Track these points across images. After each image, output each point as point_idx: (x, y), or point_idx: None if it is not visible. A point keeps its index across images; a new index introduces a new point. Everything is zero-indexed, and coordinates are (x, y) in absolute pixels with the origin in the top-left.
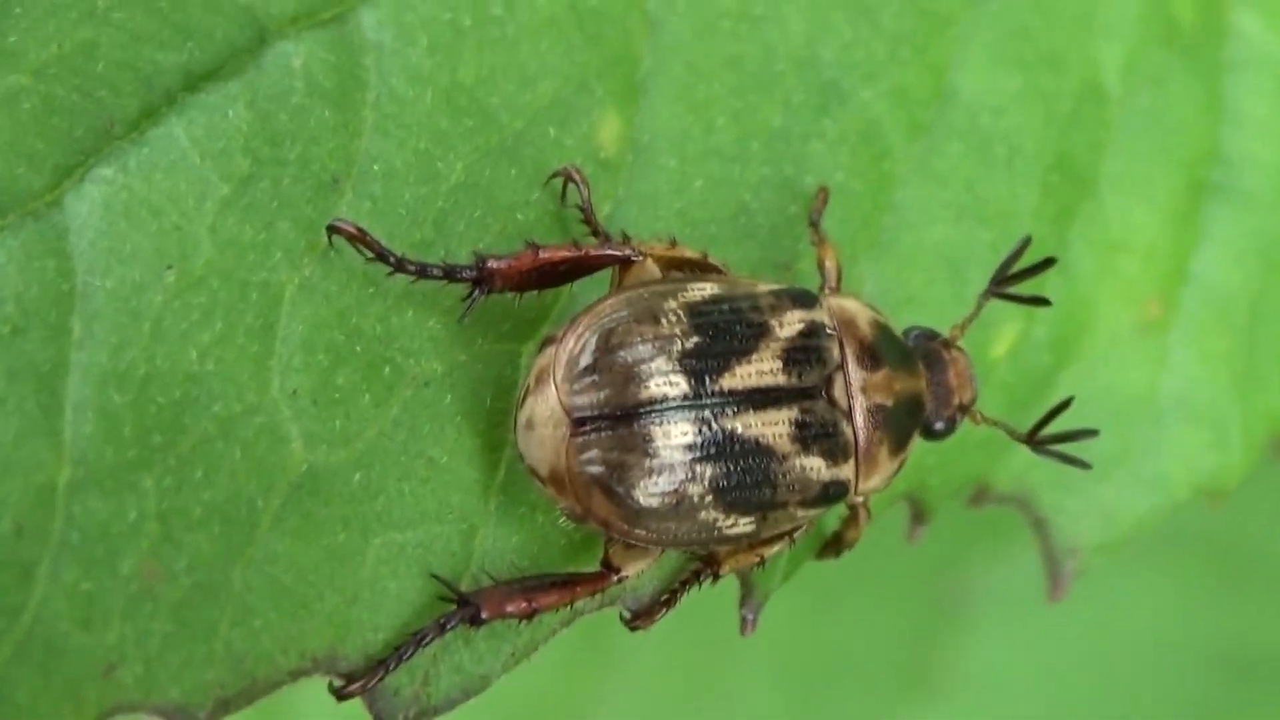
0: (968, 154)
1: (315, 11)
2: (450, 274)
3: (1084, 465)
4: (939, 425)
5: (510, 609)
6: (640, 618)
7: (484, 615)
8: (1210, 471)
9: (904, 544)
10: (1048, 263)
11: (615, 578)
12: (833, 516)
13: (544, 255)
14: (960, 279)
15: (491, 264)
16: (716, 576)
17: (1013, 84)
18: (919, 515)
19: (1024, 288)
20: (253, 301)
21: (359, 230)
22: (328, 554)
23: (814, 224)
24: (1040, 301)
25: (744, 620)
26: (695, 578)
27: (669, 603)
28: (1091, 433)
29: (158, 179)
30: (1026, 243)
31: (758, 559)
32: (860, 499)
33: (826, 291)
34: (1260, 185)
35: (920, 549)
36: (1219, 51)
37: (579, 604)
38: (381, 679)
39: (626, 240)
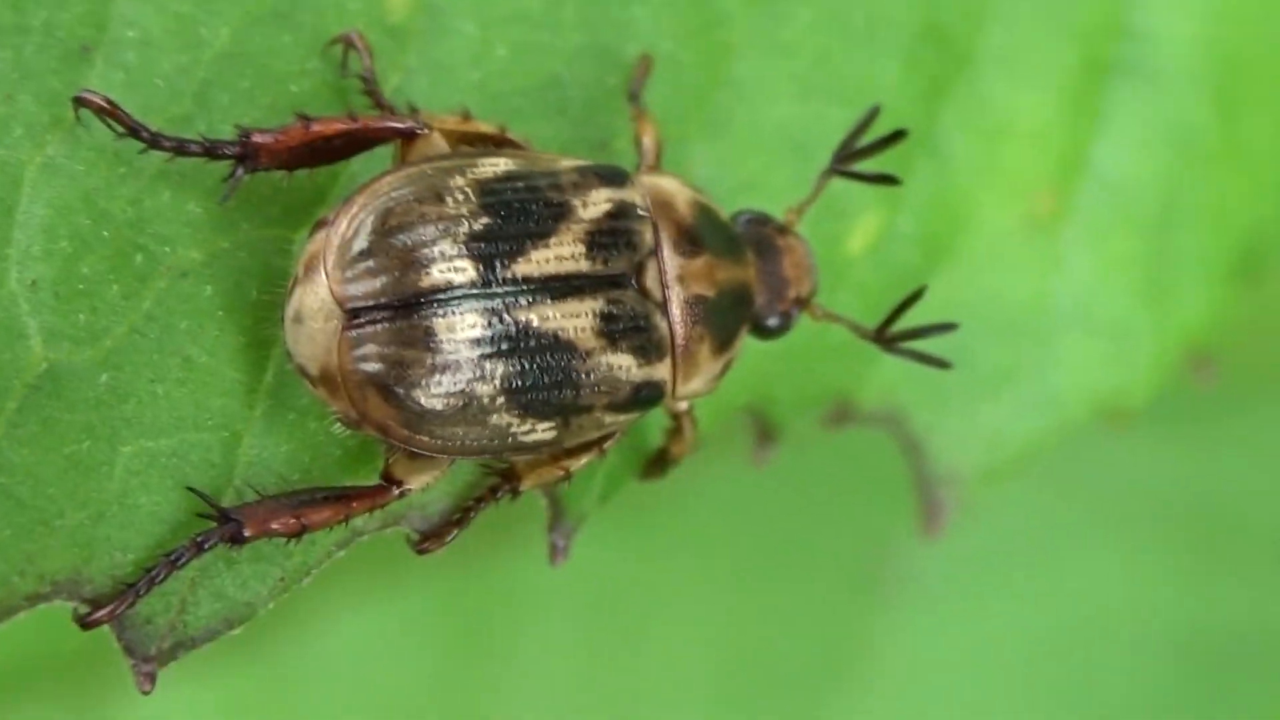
0: (819, 21)
1: None
2: (211, 150)
3: (943, 365)
4: (772, 321)
5: (277, 526)
6: (430, 539)
7: (247, 533)
8: (1111, 390)
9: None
10: (898, 135)
11: (397, 491)
12: (656, 431)
13: (316, 128)
14: (807, 163)
15: (257, 138)
16: (516, 493)
17: None
18: (765, 433)
19: (878, 169)
20: None
21: (109, 103)
22: (70, 464)
23: (633, 96)
24: (887, 180)
25: (554, 547)
26: (492, 494)
27: (460, 522)
28: (949, 327)
29: None
30: (875, 113)
31: (562, 472)
32: (683, 406)
33: (643, 170)
34: (1171, 63)
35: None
36: None
37: (356, 521)
38: (131, 605)
39: (413, 112)
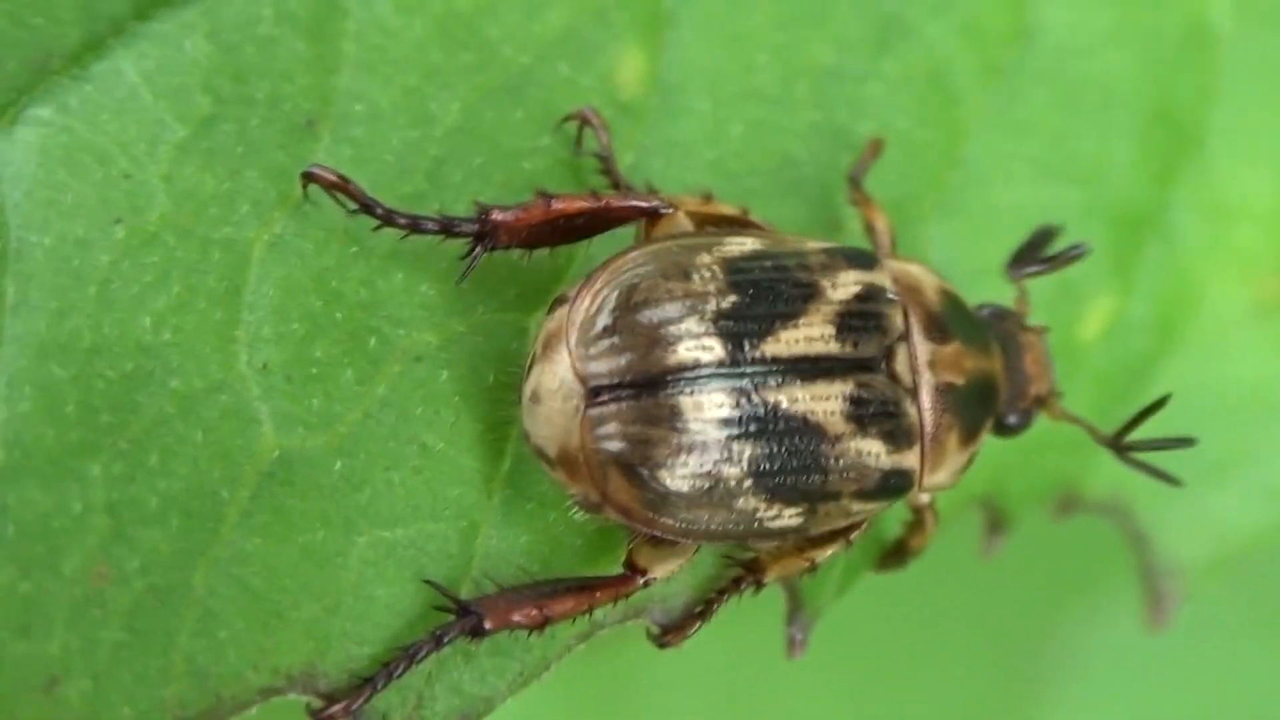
0: (1053, 101)
1: None
2: (448, 228)
3: (1173, 482)
4: (1012, 419)
5: (518, 619)
6: (671, 633)
7: (487, 626)
8: None
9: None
10: (1077, 251)
11: (641, 581)
12: (894, 522)
13: (558, 206)
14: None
15: (496, 216)
16: (760, 584)
17: (1105, 20)
18: (996, 524)
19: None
20: (215, 261)
21: (340, 178)
22: (304, 554)
23: (854, 180)
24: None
25: (792, 640)
26: (735, 586)
27: (703, 614)
28: (1188, 441)
29: (103, 120)
30: (1051, 233)
31: (807, 563)
32: (925, 498)
33: (882, 255)
34: None
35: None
36: None
37: (598, 613)
38: (368, 700)
39: (654, 192)
